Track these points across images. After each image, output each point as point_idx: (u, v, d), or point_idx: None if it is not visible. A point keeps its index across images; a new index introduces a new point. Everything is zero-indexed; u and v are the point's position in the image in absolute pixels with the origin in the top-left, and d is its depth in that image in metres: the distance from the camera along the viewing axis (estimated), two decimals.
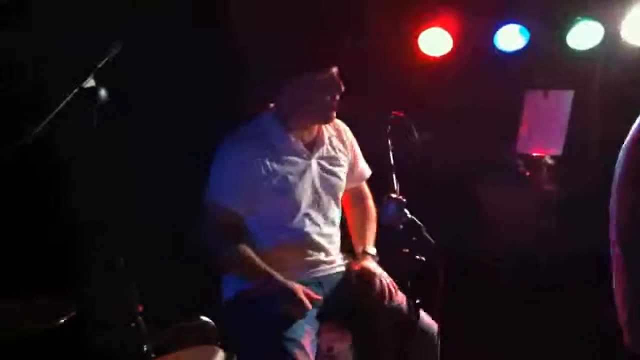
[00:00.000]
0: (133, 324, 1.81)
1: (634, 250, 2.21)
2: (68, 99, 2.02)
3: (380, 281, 2.68)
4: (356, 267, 2.78)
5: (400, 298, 2.69)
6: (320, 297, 2.62)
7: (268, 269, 2.60)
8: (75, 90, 2.04)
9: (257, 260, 2.63)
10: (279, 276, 2.58)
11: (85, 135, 1.94)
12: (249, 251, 2.64)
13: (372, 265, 2.77)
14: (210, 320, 2.60)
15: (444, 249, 2.47)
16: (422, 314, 2.62)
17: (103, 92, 2.06)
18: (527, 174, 4.14)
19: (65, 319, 1.98)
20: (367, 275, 2.70)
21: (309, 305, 2.53)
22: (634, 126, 2.27)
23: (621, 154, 2.29)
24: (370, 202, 3.03)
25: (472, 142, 4.17)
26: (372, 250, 2.86)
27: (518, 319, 3.81)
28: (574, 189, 4.01)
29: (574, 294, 3.80)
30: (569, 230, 4.04)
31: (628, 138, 2.29)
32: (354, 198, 3.01)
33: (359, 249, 2.87)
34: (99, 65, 2.10)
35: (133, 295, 1.82)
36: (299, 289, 2.55)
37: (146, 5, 3.40)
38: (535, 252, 4.16)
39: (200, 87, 3.70)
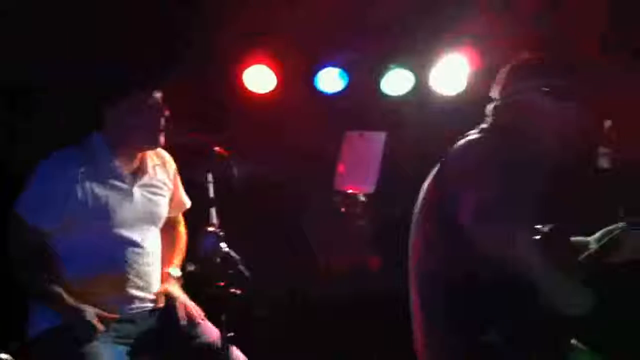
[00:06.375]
0: None
1: (426, 280, 2.42)
2: None
3: (180, 305, 2.69)
4: (159, 290, 2.77)
5: (214, 331, 2.70)
6: (115, 316, 2.59)
7: (64, 296, 2.54)
8: None
9: (57, 288, 2.57)
10: (71, 301, 2.54)
11: None
12: (53, 277, 2.59)
13: (173, 288, 2.78)
14: (11, 357, 2.48)
15: (262, 283, 2.53)
16: (236, 352, 2.63)
17: None
18: (343, 210, 4.34)
19: None
20: (168, 299, 2.72)
21: (101, 327, 2.51)
22: (434, 171, 2.51)
23: (420, 196, 2.52)
24: (182, 228, 3.04)
25: (295, 179, 4.31)
26: (175, 272, 2.85)
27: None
28: (385, 224, 4.25)
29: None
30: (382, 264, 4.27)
31: (427, 182, 2.53)
32: (167, 225, 2.99)
33: (164, 271, 2.86)
34: None
35: None
36: (89, 309, 2.52)
37: None
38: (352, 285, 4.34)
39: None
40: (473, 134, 2.51)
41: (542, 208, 2.36)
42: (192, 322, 2.69)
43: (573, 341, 2.42)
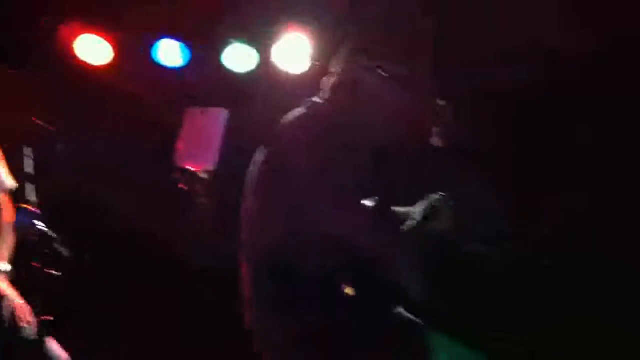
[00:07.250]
0: None
1: (252, 258, 2.40)
2: None
3: (6, 303, 2.51)
4: None
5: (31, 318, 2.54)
6: None
7: None
8: None
9: None
10: None
11: None
12: None
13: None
14: None
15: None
16: (52, 343, 2.48)
17: None
18: (184, 187, 4.23)
19: None
20: None
21: None
22: (262, 148, 2.48)
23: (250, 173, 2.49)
24: (7, 214, 2.82)
25: (132, 155, 4.14)
26: (3, 267, 2.65)
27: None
28: (226, 202, 4.20)
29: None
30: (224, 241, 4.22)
31: (257, 157, 2.50)
32: None
33: None
34: None
35: None
36: None
37: None
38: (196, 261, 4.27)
39: None
40: (303, 109, 2.50)
41: (367, 183, 2.40)
42: (17, 322, 2.50)
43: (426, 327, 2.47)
